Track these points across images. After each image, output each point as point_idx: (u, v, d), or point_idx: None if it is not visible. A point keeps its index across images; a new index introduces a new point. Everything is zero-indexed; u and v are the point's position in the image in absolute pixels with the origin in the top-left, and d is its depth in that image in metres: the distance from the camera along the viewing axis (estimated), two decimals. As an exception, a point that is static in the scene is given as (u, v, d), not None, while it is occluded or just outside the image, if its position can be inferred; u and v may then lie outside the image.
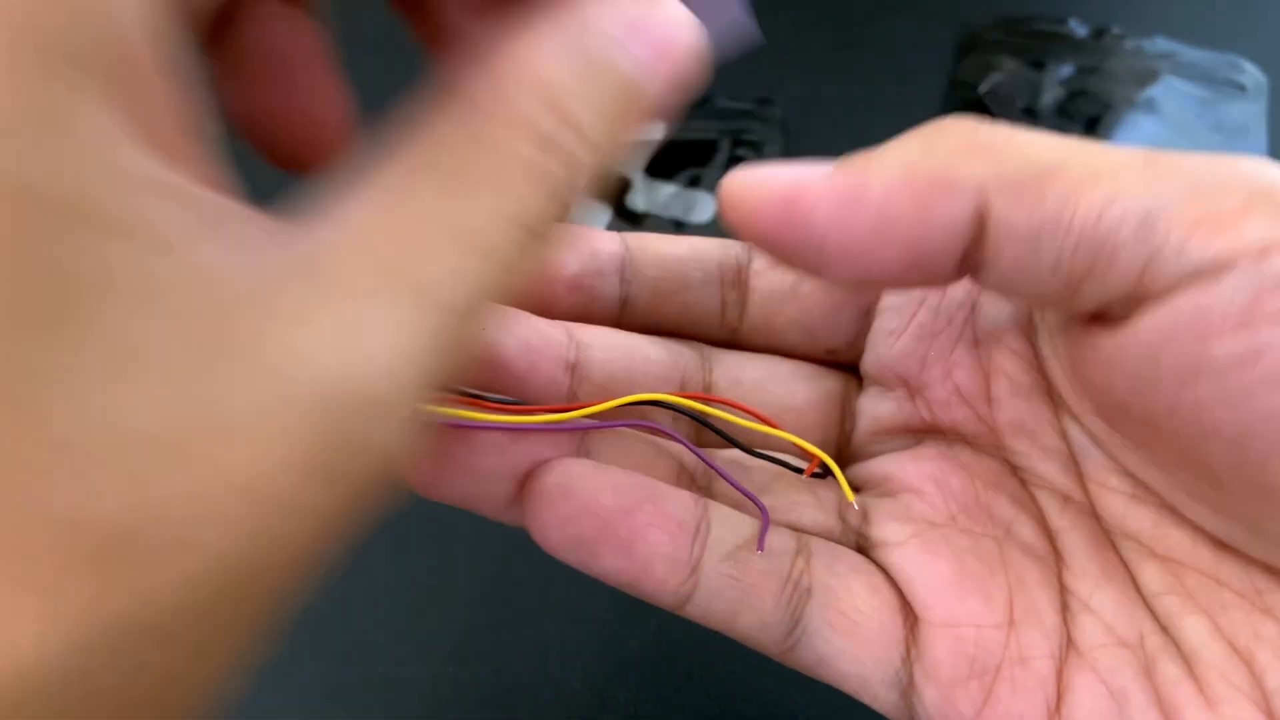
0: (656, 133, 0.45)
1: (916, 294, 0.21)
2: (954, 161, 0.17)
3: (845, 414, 0.23)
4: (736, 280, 0.22)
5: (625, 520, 0.19)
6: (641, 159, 0.44)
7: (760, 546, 0.20)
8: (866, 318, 0.22)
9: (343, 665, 0.32)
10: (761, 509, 0.21)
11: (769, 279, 0.22)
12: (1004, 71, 0.45)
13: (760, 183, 0.18)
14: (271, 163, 0.17)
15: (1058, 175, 0.16)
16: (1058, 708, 0.19)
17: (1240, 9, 0.50)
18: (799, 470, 0.22)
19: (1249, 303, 0.15)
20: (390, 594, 0.34)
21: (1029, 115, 0.44)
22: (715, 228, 0.42)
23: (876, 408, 0.22)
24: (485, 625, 0.33)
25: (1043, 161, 0.16)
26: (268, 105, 0.16)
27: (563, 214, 0.14)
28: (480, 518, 0.36)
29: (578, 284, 0.21)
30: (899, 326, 0.22)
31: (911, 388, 0.22)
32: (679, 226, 0.43)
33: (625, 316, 0.22)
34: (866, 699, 0.21)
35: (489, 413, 0.19)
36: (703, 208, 0.43)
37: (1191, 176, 0.16)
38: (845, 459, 0.23)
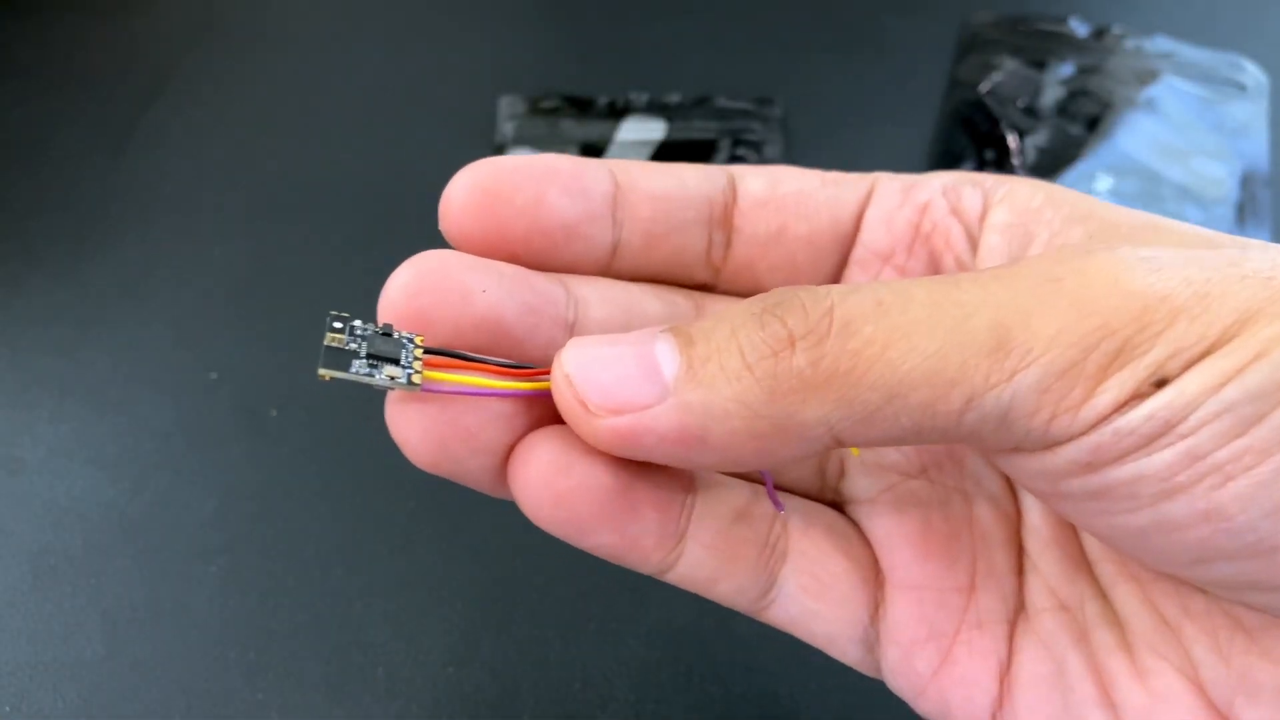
0: (656, 132, 0.45)
1: (885, 250, 0.22)
2: (797, 402, 0.16)
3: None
4: (724, 219, 0.21)
5: (622, 499, 0.19)
6: (642, 159, 0.44)
7: (777, 506, 0.21)
8: (845, 266, 0.22)
9: (343, 665, 0.32)
10: (764, 471, 0.21)
11: (754, 220, 0.21)
12: (1004, 71, 0.45)
13: (598, 402, 0.17)
14: None
15: (909, 395, 0.15)
16: (1007, 670, 0.20)
17: (1241, 9, 0.50)
18: None
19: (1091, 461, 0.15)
20: (390, 594, 0.34)
21: (1029, 115, 0.44)
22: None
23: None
24: (485, 625, 0.33)
25: (892, 381, 0.15)
26: None
27: None
28: (480, 517, 0.36)
29: (574, 232, 0.20)
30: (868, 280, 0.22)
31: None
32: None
33: (615, 262, 0.21)
34: (835, 654, 0.22)
35: (489, 377, 0.18)
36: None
37: (1048, 344, 0.15)
38: None
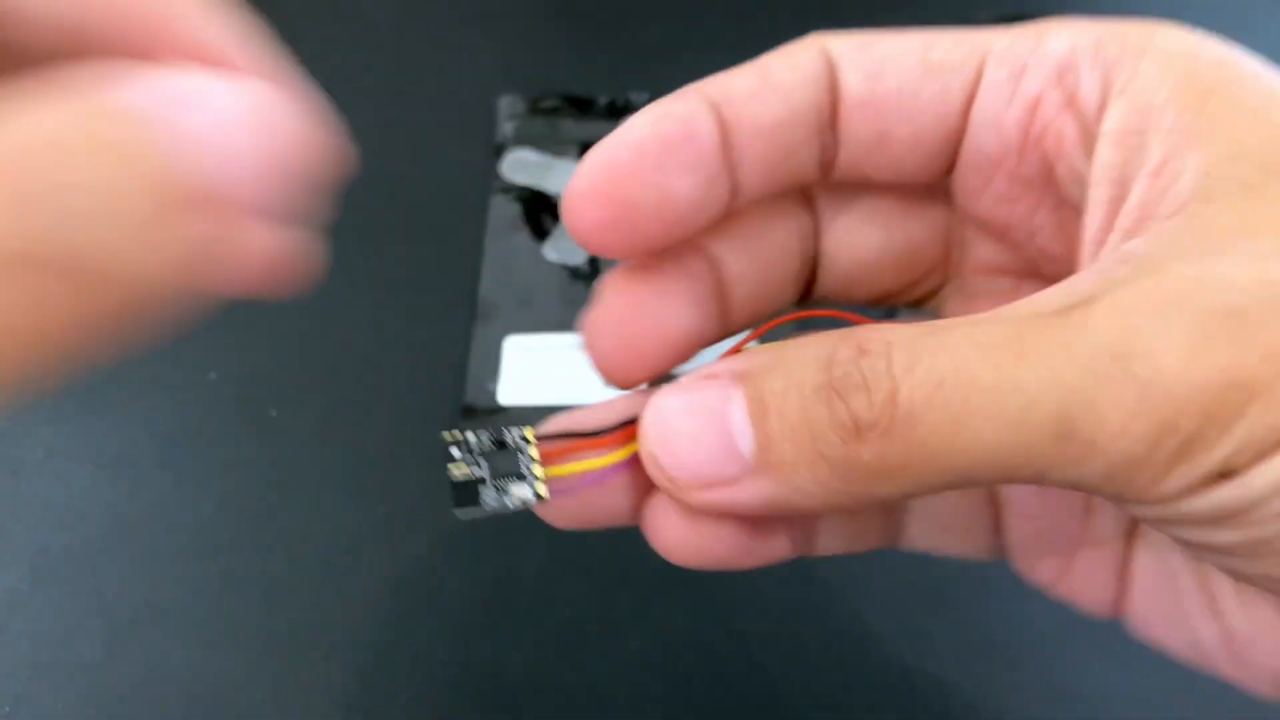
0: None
1: (996, 155, 0.20)
2: (871, 485, 0.16)
3: (953, 249, 0.23)
4: (830, 123, 0.21)
5: (752, 534, 0.20)
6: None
7: None
8: (955, 169, 0.22)
9: (343, 666, 0.32)
10: None
11: (856, 124, 0.20)
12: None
13: (685, 480, 0.18)
14: None
15: (980, 474, 0.16)
16: (1126, 573, 0.21)
17: (1242, 8, 0.50)
18: None
19: None
20: (390, 594, 0.34)
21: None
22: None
23: (976, 249, 0.22)
24: (485, 625, 0.33)
25: (960, 466, 0.16)
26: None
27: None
28: (479, 520, 0.36)
29: (701, 204, 0.20)
30: (978, 186, 0.21)
31: (1004, 238, 0.21)
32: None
33: (733, 202, 0.20)
34: (957, 557, 0.24)
35: (600, 453, 0.19)
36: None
37: (1113, 438, 0.15)
38: (953, 304, 0.23)
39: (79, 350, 0.13)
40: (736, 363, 0.17)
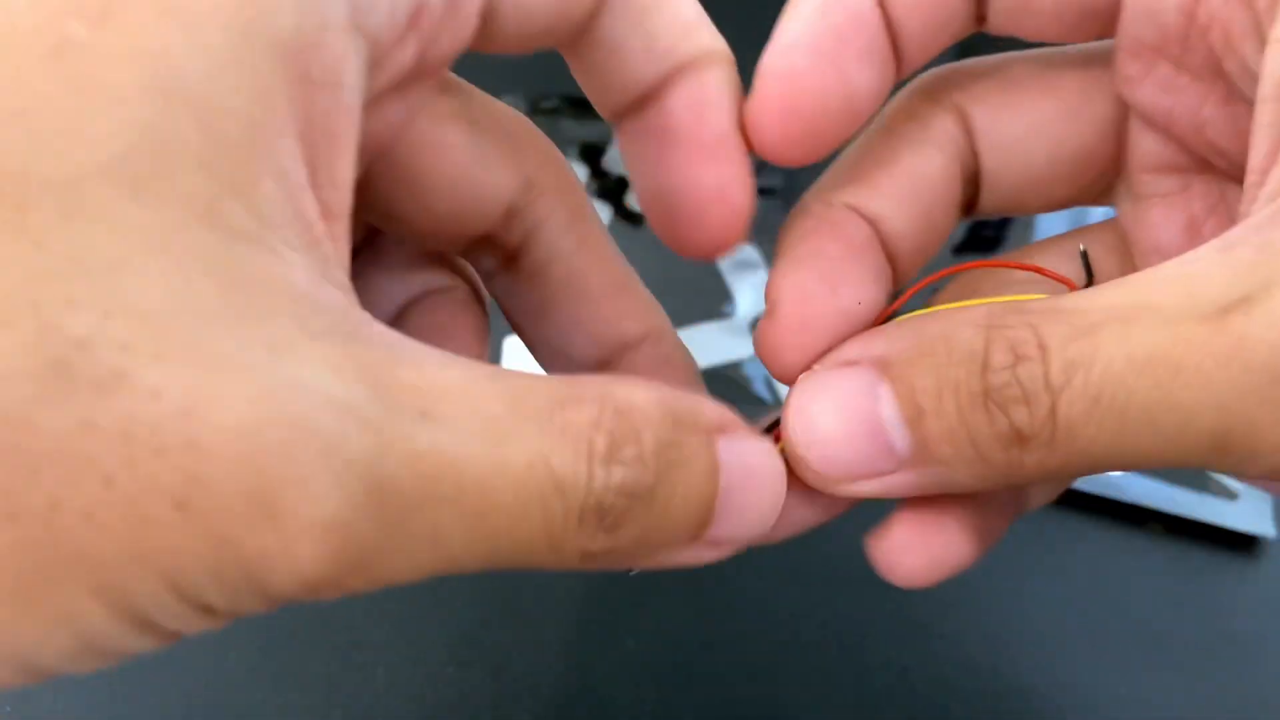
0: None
1: (1154, 43, 0.19)
2: (1028, 481, 0.17)
3: (1120, 146, 0.21)
4: None
5: (978, 538, 0.20)
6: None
7: None
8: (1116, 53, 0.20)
9: (343, 665, 0.32)
10: None
11: None
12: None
13: (837, 478, 0.18)
14: (678, 251, 0.19)
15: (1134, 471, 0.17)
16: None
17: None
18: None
19: None
20: (390, 594, 0.34)
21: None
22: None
23: (1142, 145, 0.21)
24: (485, 625, 0.33)
25: (1115, 467, 0.16)
26: (673, 181, 0.19)
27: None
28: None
29: (879, 92, 0.19)
30: (1138, 74, 0.19)
31: (1170, 131, 0.20)
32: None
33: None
34: None
35: None
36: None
37: (1272, 451, 0.15)
38: (1120, 195, 0.22)
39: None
40: (874, 347, 0.17)
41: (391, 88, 0.16)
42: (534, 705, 0.31)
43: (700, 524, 0.16)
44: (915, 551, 0.19)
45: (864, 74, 0.18)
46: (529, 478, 0.14)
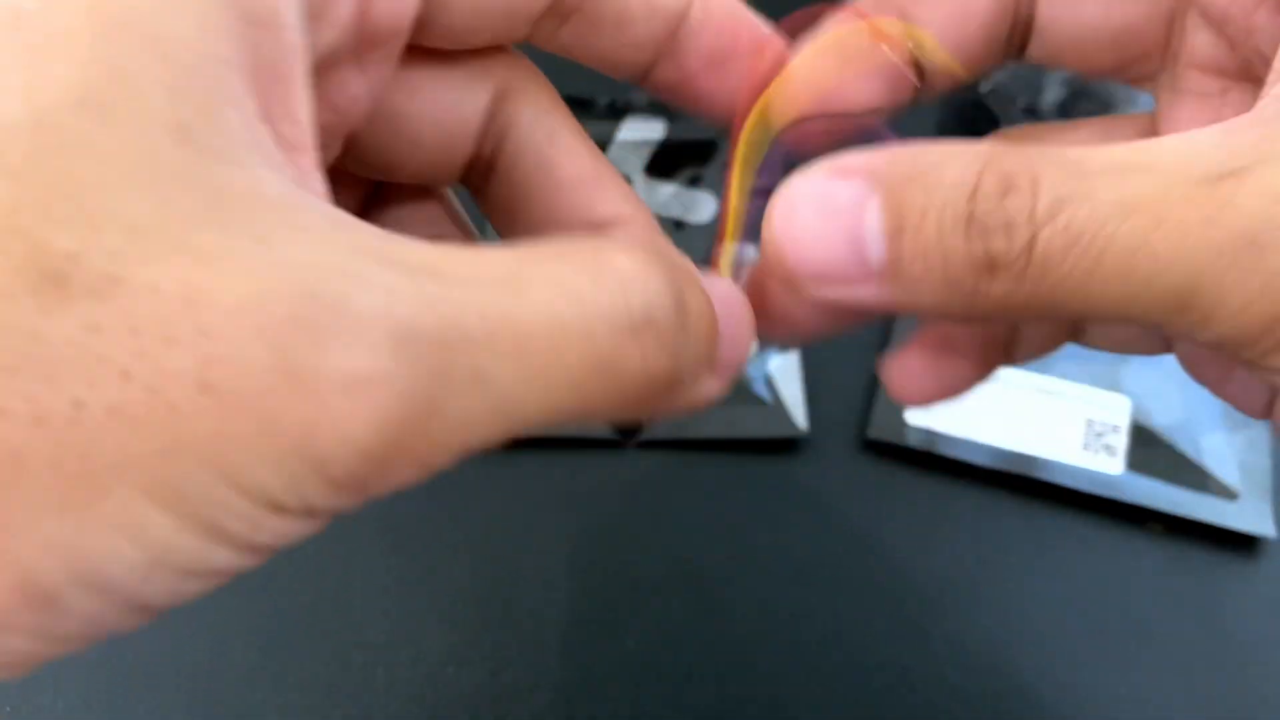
0: (656, 132, 0.45)
1: None
2: (991, 312, 0.17)
3: (1172, 37, 0.22)
4: None
5: (982, 364, 0.22)
6: (641, 159, 0.44)
7: None
8: None
9: (343, 665, 0.32)
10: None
11: None
12: (1005, 71, 0.45)
13: (807, 275, 0.18)
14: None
15: (1097, 319, 0.18)
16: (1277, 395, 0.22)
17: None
18: None
19: None
20: (390, 594, 0.34)
21: (1030, 114, 0.44)
22: (715, 228, 0.42)
23: (1194, 40, 0.21)
24: (485, 625, 0.33)
25: (1079, 311, 0.17)
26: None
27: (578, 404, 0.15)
28: (480, 517, 0.36)
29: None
30: None
31: (1222, 31, 0.21)
32: (679, 227, 0.43)
33: None
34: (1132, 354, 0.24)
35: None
36: (703, 207, 0.43)
37: (1232, 317, 0.16)
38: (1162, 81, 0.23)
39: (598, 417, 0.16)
40: (874, 160, 0.17)
41: (345, 53, 0.17)
42: (534, 705, 0.31)
43: (714, 346, 0.17)
44: (924, 375, 0.21)
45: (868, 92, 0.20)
46: (565, 310, 0.14)
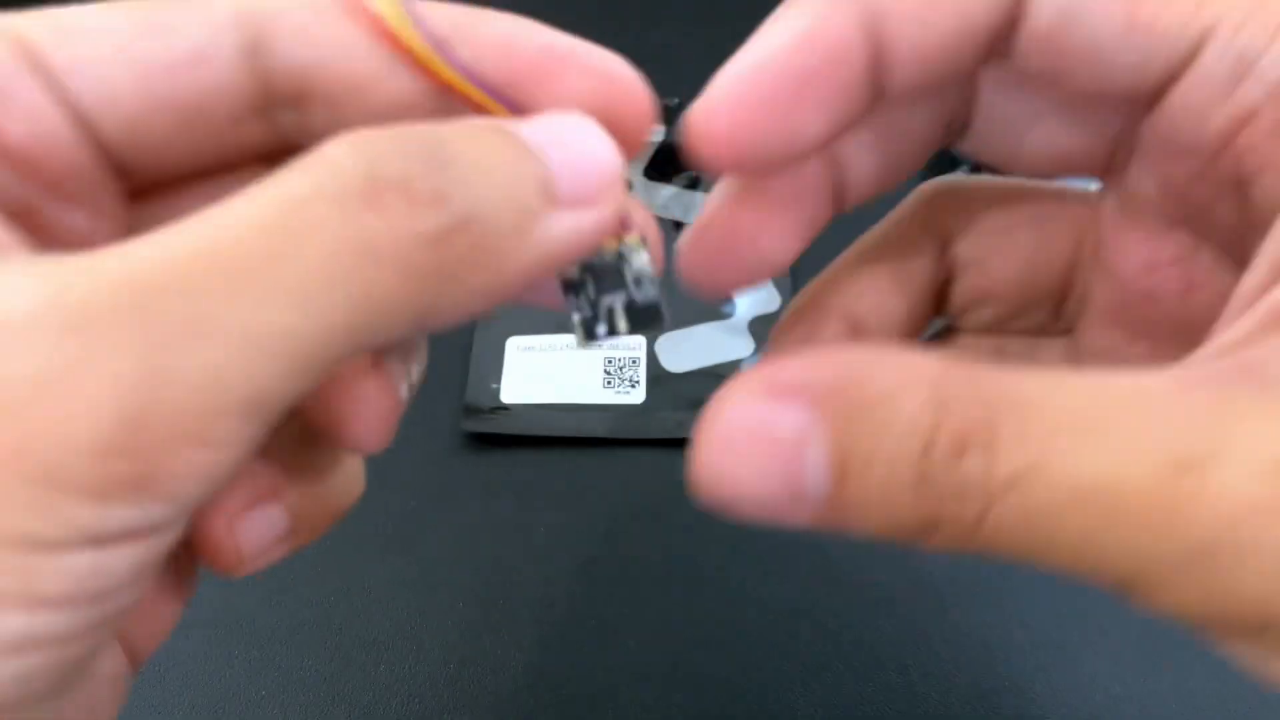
0: (655, 136, 0.45)
1: (1184, 147, 0.18)
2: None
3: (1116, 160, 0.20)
4: (994, 50, 0.18)
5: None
6: (640, 161, 0.44)
7: None
8: (1133, 154, 0.19)
9: (344, 664, 0.32)
10: None
11: (1033, 57, 0.17)
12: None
13: (727, 500, 0.16)
14: None
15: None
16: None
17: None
18: None
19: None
20: (390, 593, 0.34)
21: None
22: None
23: (1143, 179, 0.20)
24: (485, 624, 0.33)
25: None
26: None
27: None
28: (479, 517, 0.36)
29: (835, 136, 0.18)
30: (1155, 155, 0.18)
31: (1171, 187, 0.19)
32: (678, 228, 0.43)
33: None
34: None
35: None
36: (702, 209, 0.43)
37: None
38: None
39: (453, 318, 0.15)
40: (817, 378, 0.15)
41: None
42: (534, 705, 0.31)
43: (526, 179, 0.15)
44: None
45: (819, 123, 0.17)
46: (268, 214, 0.13)
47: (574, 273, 0.17)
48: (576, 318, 0.17)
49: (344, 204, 0.13)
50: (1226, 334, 0.15)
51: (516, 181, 0.15)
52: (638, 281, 0.17)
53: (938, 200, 0.21)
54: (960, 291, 0.22)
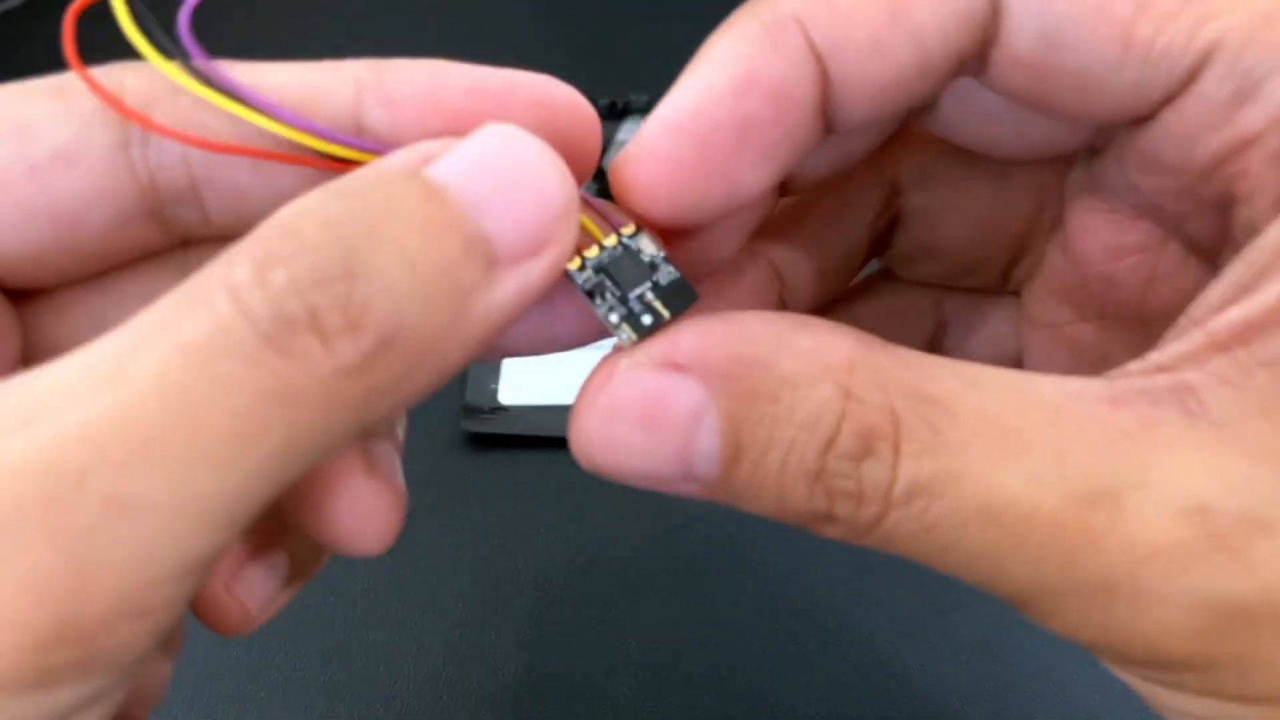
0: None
1: (1166, 164, 0.16)
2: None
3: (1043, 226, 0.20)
4: (955, 76, 0.16)
5: None
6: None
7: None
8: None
9: (343, 664, 0.32)
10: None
11: (998, 93, 0.16)
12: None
13: (613, 472, 0.15)
14: None
15: None
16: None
17: None
18: None
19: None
20: (390, 594, 0.34)
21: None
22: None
23: (1117, 175, 0.18)
24: (485, 624, 0.33)
25: None
26: None
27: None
28: (479, 518, 0.36)
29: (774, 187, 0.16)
30: (1137, 170, 0.17)
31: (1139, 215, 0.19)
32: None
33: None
34: None
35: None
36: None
37: None
38: None
39: (403, 407, 0.13)
40: (712, 353, 0.14)
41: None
42: (534, 704, 0.31)
43: (457, 263, 0.13)
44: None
45: (758, 174, 0.15)
46: (170, 370, 0.12)
47: (590, 278, 0.16)
48: (614, 318, 0.16)
49: (250, 355, 0.12)
50: (1171, 345, 0.14)
51: (444, 265, 0.13)
52: (653, 266, 0.16)
53: (891, 140, 0.19)
54: (904, 241, 0.20)
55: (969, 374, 0.14)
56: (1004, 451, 0.13)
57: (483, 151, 0.14)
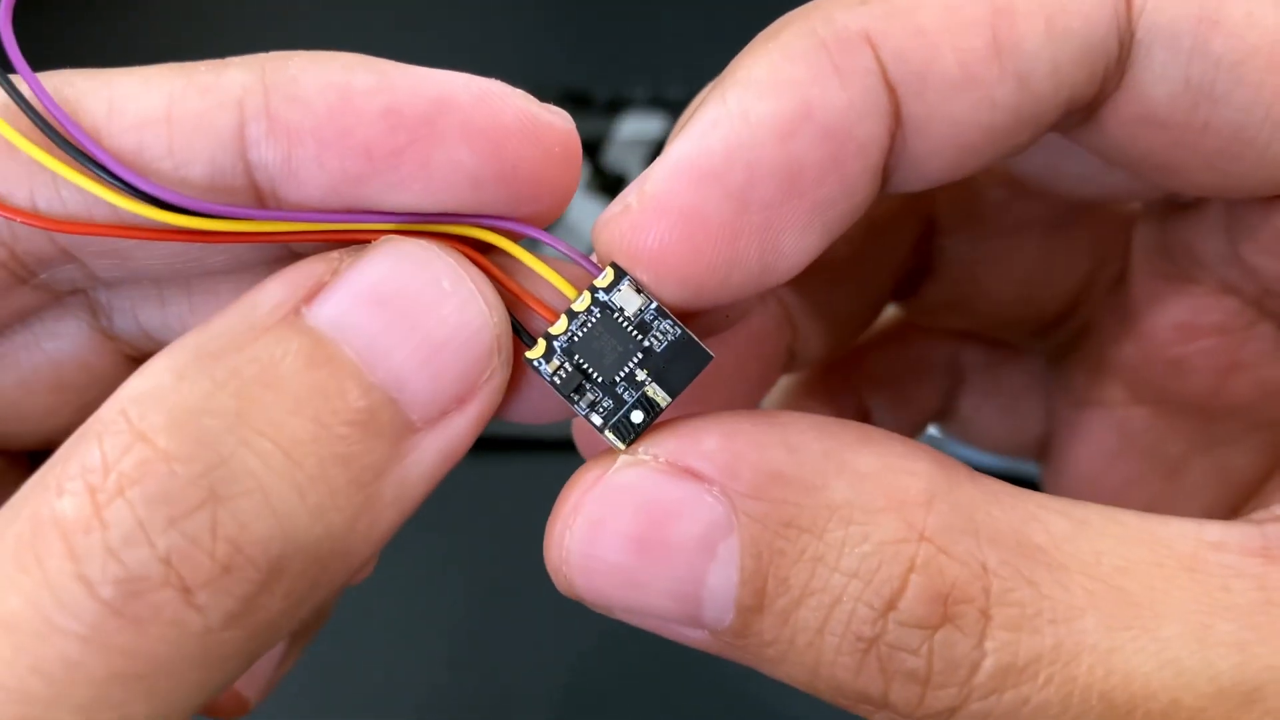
0: (654, 129, 0.44)
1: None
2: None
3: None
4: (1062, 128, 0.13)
5: None
6: (640, 156, 0.44)
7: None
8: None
9: (341, 671, 0.32)
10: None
11: (1111, 151, 0.13)
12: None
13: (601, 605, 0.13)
14: None
15: None
16: None
17: None
18: None
19: None
20: (387, 601, 0.34)
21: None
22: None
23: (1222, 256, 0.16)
24: (482, 631, 0.33)
25: None
26: None
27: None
28: (479, 518, 0.36)
29: None
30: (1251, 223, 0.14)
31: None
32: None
33: None
34: None
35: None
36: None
37: None
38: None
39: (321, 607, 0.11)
40: (740, 456, 0.11)
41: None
42: (534, 705, 0.31)
43: (362, 437, 0.10)
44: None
45: (802, 241, 0.11)
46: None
47: (560, 369, 0.12)
48: (597, 420, 0.12)
49: (92, 631, 0.09)
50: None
51: (340, 454, 0.10)
52: (642, 326, 0.12)
53: None
54: (934, 291, 0.17)
55: (1077, 514, 0.11)
56: (1130, 621, 0.10)
57: (381, 280, 0.10)
